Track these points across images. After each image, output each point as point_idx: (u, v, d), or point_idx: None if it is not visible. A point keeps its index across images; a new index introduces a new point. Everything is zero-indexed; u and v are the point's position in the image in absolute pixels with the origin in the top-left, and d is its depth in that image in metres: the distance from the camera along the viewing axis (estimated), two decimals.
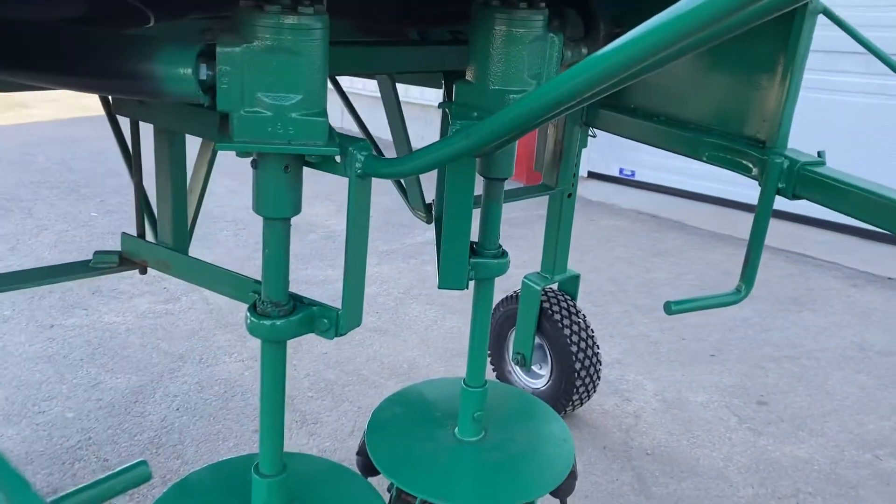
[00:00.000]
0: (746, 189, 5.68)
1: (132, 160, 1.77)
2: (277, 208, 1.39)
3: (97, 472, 2.49)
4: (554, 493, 1.92)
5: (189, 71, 1.20)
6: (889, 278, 4.45)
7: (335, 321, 1.46)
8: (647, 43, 0.98)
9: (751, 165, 1.89)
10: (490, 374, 2.36)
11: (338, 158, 1.37)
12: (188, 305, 3.65)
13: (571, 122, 2.45)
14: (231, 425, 2.74)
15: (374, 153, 1.42)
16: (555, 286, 2.81)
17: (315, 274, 4.13)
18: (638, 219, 5.51)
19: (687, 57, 1.60)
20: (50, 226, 4.77)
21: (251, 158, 1.36)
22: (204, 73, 1.22)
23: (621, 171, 6.42)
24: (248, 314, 1.44)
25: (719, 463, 2.65)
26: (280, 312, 1.44)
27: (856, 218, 1.69)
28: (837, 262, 4.67)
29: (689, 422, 2.90)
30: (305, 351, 3.25)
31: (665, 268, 4.51)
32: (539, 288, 2.66)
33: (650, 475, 2.56)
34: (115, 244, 1.87)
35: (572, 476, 1.96)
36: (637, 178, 6.34)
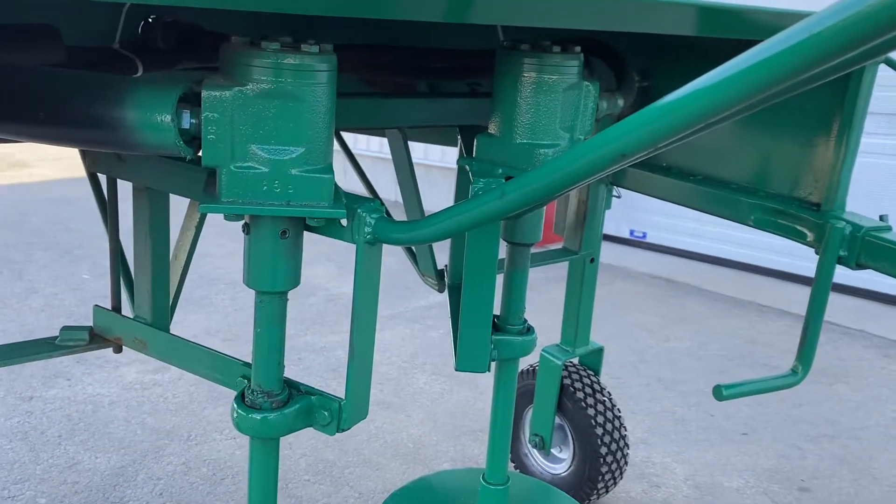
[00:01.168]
0: (767, 253, 5.47)
1: (108, 222, 1.56)
2: (273, 281, 1.18)
3: None
4: None
5: (168, 118, 1.00)
6: None
7: (337, 414, 1.23)
8: (735, 89, 0.78)
9: (805, 231, 1.69)
10: None
11: (344, 222, 1.17)
12: (178, 375, 3.40)
13: (597, 182, 2.26)
14: None
15: (385, 216, 1.21)
16: (576, 360, 2.58)
17: (315, 340, 3.89)
18: (652, 283, 5.29)
19: None
20: (40, 289, 4.56)
21: (242, 223, 1.16)
22: (187, 121, 1.02)
23: (632, 232, 6.23)
24: (235, 405, 1.21)
25: None
26: (273, 404, 1.21)
27: None
28: (865, 330, 4.43)
29: None
30: None
31: (686, 336, 4.27)
32: (560, 363, 2.42)
33: None
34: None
35: None
36: (648, 239, 6.15)
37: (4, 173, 7.74)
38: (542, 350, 2.48)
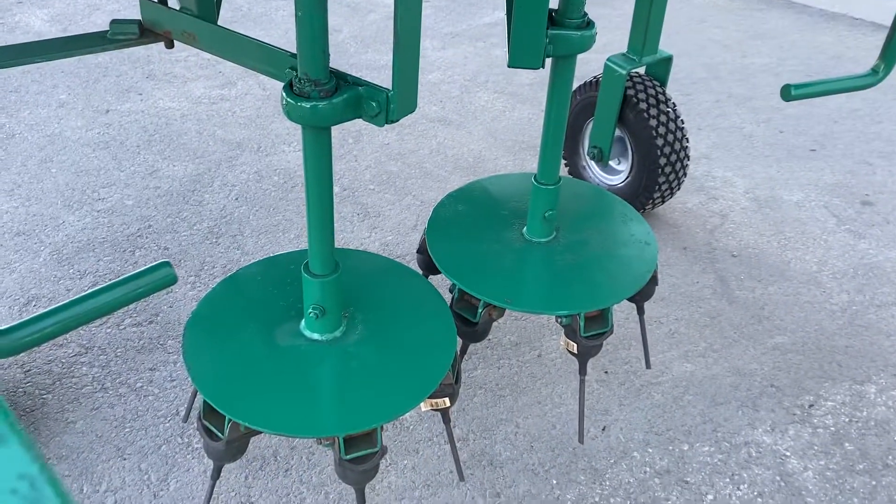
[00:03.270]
0: None
1: None
2: None
3: (158, 260, 2.47)
4: (630, 299, 1.76)
5: None
6: None
7: (385, 104, 1.22)
8: None
9: None
10: (563, 171, 2.13)
11: None
12: (244, 91, 3.45)
13: None
14: (291, 216, 2.64)
15: None
16: (642, 70, 2.47)
17: (375, 59, 3.83)
18: None
19: None
20: (102, 5, 4.53)
21: None
22: None
23: None
24: (284, 94, 1.22)
25: (812, 267, 2.43)
26: (321, 93, 1.21)
27: None
28: None
29: (782, 222, 2.65)
30: (367, 141, 3.06)
31: (765, 51, 4.01)
32: (624, 72, 2.33)
33: (734, 278, 2.38)
34: None
35: (653, 281, 1.78)
36: None
37: None
38: (608, 59, 2.38)
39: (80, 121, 3.20)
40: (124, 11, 4.42)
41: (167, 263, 1.13)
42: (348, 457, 1.36)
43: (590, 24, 1.53)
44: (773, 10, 4.58)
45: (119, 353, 2.07)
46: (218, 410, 1.36)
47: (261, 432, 1.38)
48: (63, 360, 2.04)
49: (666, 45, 2.45)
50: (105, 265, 2.39)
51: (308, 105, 1.20)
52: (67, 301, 1.08)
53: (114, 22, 1.49)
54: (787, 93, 1.53)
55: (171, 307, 2.23)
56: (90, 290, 1.07)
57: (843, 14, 4.44)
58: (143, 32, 1.50)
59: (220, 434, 1.39)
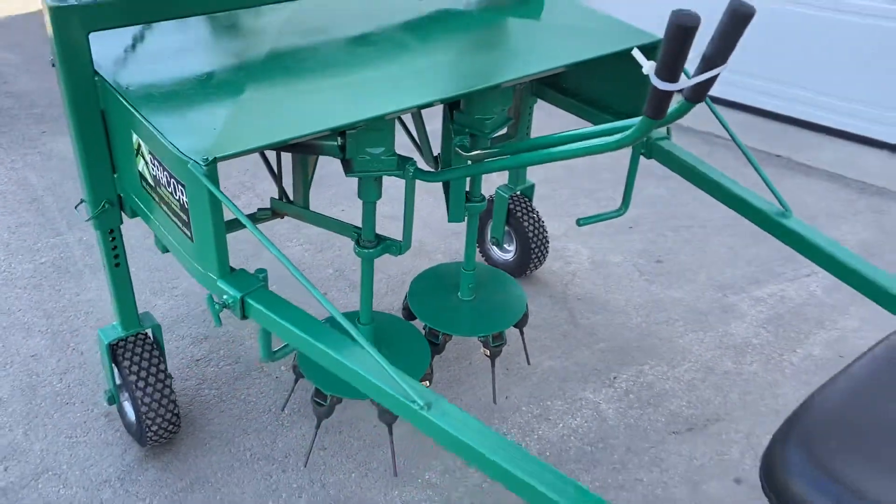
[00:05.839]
0: None
1: (277, 172, 3.05)
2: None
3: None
4: (516, 325, 3.40)
5: None
6: (778, 155, 5.84)
7: (399, 247, 2.83)
8: None
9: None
10: (478, 255, 3.77)
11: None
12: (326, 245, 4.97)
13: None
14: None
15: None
16: (518, 192, 4.18)
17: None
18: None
19: None
20: None
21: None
22: None
23: None
24: (355, 246, 2.81)
25: (622, 303, 4.16)
26: (371, 245, 2.81)
27: None
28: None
29: (608, 276, 4.39)
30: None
31: (599, 160, 5.85)
32: (507, 196, 4.03)
33: (578, 312, 4.07)
34: None
35: (525, 315, 3.44)
36: None
37: None
38: (497, 188, 4.06)
39: (139, 230, 4.65)
40: None
41: None
42: None
43: (483, 199, 3.18)
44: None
45: (224, 383, 3.56)
46: (322, 391, 2.90)
47: (343, 399, 2.93)
48: (191, 389, 3.52)
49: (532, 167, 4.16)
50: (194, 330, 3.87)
51: (367, 251, 2.79)
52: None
53: (260, 209, 3.04)
54: (578, 222, 3.21)
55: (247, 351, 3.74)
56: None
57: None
58: (274, 214, 3.05)
59: (324, 403, 2.93)
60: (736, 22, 1.67)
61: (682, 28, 1.62)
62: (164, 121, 2.18)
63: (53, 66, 2.43)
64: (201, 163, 1.98)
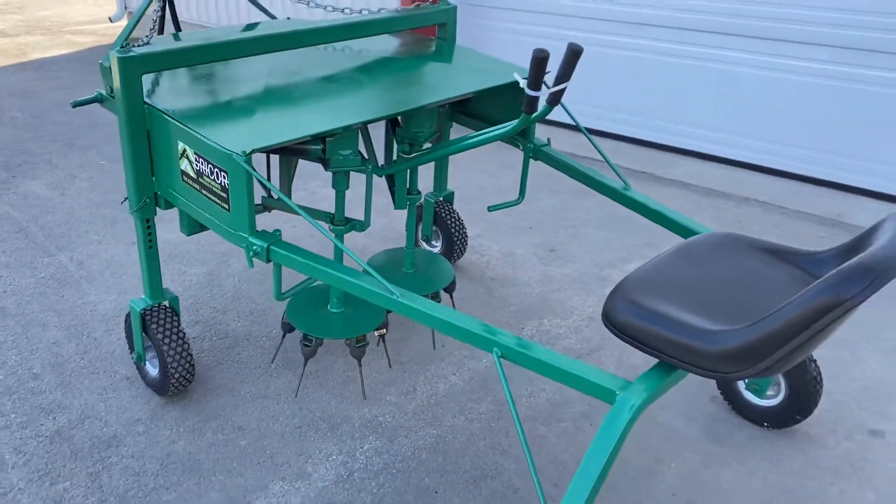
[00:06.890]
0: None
1: (267, 177, 4.11)
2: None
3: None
4: (446, 289, 4.52)
5: None
6: (644, 171, 7.27)
7: (362, 225, 3.91)
8: None
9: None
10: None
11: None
12: None
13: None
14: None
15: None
16: (441, 198, 5.36)
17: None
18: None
19: None
20: (77, 174, 6.83)
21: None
22: None
23: None
24: (330, 225, 3.88)
25: (525, 279, 5.36)
26: (342, 224, 3.89)
27: None
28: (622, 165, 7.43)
29: (514, 262, 5.59)
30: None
31: (509, 175, 7.15)
32: (433, 201, 5.20)
33: (493, 287, 5.24)
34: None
35: (453, 282, 4.56)
36: None
37: None
38: (426, 195, 5.21)
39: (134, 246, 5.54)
40: (97, 177, 6.75)
41: None
42: (359, 345, 3.95)
43: (419, 193, 4.32)
44: (511, 152, 7.78)
45: (219, 351, 4.51)
46: (310, 335, 3.91)
47: (325, 339, 3.94)
48: (220, 349, 4.46)
49: (454, 178, 5.34)
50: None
51: (337, 228, 3.88)
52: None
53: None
54: (489, 209, 4.40)
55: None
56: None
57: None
58: (264, 209, 4.09)
59: (309, 344, 3.94)
60: (572, 55, 2.91)
61: (539, 58, 2.85)
62: (208, 131, 3.24)
63: (74, 107, 3.49)
64: (241, 154, 3.05)
